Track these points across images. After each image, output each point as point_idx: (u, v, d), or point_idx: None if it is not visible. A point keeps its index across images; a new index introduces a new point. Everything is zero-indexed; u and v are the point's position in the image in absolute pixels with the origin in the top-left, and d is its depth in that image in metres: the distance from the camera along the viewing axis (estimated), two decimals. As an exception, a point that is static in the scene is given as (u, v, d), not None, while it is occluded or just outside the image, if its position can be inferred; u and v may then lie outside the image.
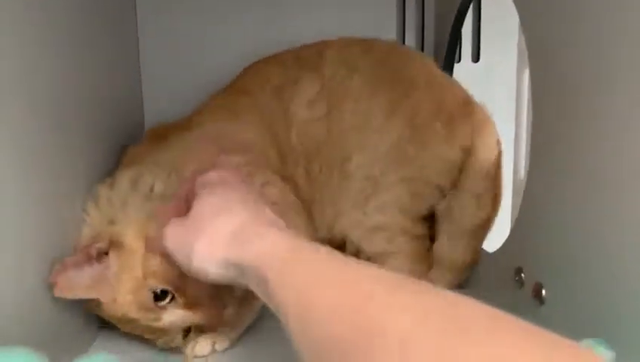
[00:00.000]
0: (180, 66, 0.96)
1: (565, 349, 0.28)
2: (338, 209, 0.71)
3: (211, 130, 0.72)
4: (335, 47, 0.76)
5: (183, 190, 0.56)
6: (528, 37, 0.57)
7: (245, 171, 0.61)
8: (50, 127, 0.55)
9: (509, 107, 1.08)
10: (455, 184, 0.70)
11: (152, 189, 0.62)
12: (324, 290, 0.37)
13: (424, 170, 0.70)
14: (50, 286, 0.53)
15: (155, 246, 0.54)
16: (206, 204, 0.51)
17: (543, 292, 0.54)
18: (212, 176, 0.55)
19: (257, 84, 0.77)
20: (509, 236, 0.63)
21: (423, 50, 0.97)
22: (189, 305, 0.56)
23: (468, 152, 0.70)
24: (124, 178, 0.63)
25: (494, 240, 0.69)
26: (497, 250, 0.67)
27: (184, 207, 0.53)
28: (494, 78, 1.02)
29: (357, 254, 0.70)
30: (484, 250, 0.72)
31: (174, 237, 0.51)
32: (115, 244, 0.56)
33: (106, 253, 0.56)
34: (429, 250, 0.72)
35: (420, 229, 0.71)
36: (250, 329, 0.65)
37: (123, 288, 0.55)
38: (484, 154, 0.70)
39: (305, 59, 0.76)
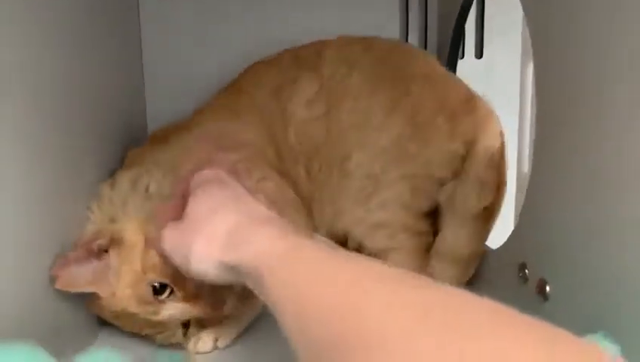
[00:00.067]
0: (182, 65, 0.96)
1: (569, 343, 0.28)
2: (339, 207, 0.71)
3: (211, 130, 0.73)
4: (334, 47, 0.76)
5: (180, 189, 0.56)
6: (532, 31, 0.57)
7: (242, 168, 0.61)
8: (54, 125, 0.55)
9: (512, 103, 1.08)
10: (457, 173, 0.70)
11: (147, 189, 0.62)
12: (322, 289, 0.36)
13: (426, 166, 0.70)
14: (52, 280, 0.53)
15: (154, 247, 0.55)
16: (201, 203, 0.51)
17: (547, 288, 0.53)
18: (207, 174, 0.55)
19: (256, 84, 0.77)
20: (513, 232, 0.63)
21: (426, 48, 0.97)
22: (188, 299, 0.57)
23: (471, 144, 0.69)
24: (124, 178, 0.64)
25: (498, 236, 0.68)
26: (501, 246, 0.66)
27: (182, 205, 0.53)
28: (497, 74, 1.02)
29: (359, 250, 0.70)
30: (488, 246, 0.71)
31: (171, 239, 0.51)
32: (115, 241, 0.57)
33: (106, 251, 0.57)
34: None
35: (423, 225, 0.71)
36: (251, 328, 0.65)
37: (122, 282, 0.56)
38: (487, 142, 0.69)
39: (303, 58, 0.76)
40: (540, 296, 0.54)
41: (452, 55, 0.91)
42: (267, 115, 0.74)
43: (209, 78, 0.91)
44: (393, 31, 0.97)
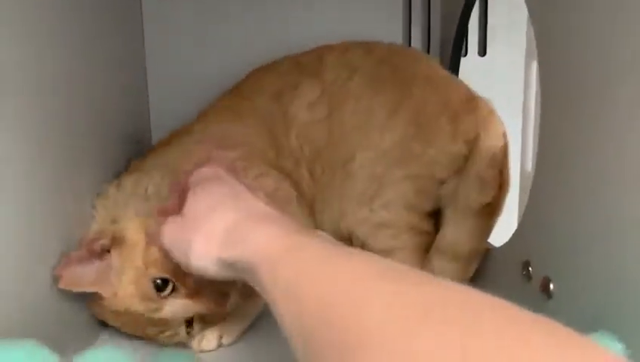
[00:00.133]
0: (186, 64, 0.96)
1: (573, 341, 0.27)
2: (343, 208, 0.71)
3: (211, 132, 0.74)
4: (335, 52, 0.77)
5: (179, 185, 0.56)
6: (537, 31, 0.57)
7: (239, 165, 0.61)
8: (56, 124, 0.56)
9: (516, 101, 1.08)
10: (460, 171, 0.70)
11: (146, 191, 0.63)
12: (321, 287, 0.36)
13: (430, 166, 0.70)
14: (55, 279, 0.53)
15: (153, 242, 0.55)
16: (200, 200, 0.51)
17: (551, 286, 0.53)
18: (206, 171, 0.55)
19: (256, 90, 0.78)
20: (517, 230, 0.63)
21: (429, 47, 0.97)
22: (191, 295, 0.57)
23: (473, 143, 0.70)
24: (128, 181, 0.65)
25: (501, 234, 0.68)
26: (504, 244, 0.66)
27: (181, 201, 0.53)
28: (501, 72, 1.02)
29: (362, 249, 0.69)
30: (491, 244, 0.71)
31: (171, 234, 0.51)
32: (117, 241, 0.57)
33: (108, 251, 0.57)
34: None
35: (426, 225, 0.71)
36: (255, 325, 0.65)
37: (125, 280, 0.56)
38: (490, 142, 0.69)
39: (304, 65, 0.77)
40: (543, 294, 0.54)
41: (455, 53, 0.90)
42: (268, 118, 0.74)
43: (212, 77, 0.91)
44: (396, 28, 0.97)
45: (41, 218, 0.52)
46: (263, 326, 0.65)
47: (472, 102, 0.72)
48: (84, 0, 0.64)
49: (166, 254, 0.53)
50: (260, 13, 0.95)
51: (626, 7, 0.42)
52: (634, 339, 0.42)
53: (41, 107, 0.53)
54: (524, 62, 1.05)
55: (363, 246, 0.70)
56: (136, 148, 0.85)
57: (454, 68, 0.91)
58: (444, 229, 0.70)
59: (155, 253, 0.56)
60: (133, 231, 0.58)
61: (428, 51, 0.97)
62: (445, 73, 0.78)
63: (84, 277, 0.55)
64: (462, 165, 0.70)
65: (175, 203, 0.54)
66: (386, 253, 0.69)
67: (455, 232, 0.69)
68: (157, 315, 0.56)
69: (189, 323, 0.59)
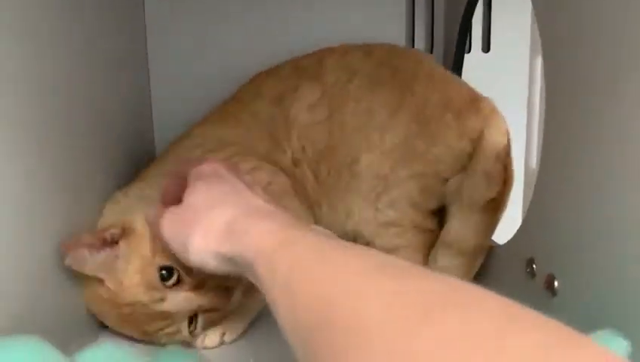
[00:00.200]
0: (189, 65, 0.96)
1: (577, 342, 0.27)
2: (349, 208, 0.71)
3: (211, 136, 0.75)
4: (335, 55, 0.77)
5: (176, 174, 0.57)
6: (542, 24, 0.56)
7: (232, 162, 0.62)
8: (58, 124, 0.56)
9: (520, 97, 1.07)
10: (464, 169, 0.70)
11: (151, 196, 0.63)
12: (314, 279, 0.36)
13: (435, 164, 0.70)
14: (63, 256, 0.54)
15: (153, 231, 0.56)
16: (201, 194, 0.52)
17: (556, 283, 0.53)
18: (206, 168, 0.56)
19: (256, 95, 0.78)
20: (521, 227, 0.63)
21: (432, 43, 0.96)
22: (195, 287, 0.57)
23: (477, 142, 0.70)
24: (134, 189, 0.66)
25: (506, 232, 0.68)
26: (509, 241, 0.66)
27: (180, 190, 0.54)
28: (505, 68, 1.01)
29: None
30: (495, 242, 0.71)
31: (171, 227, 0.52)
32: (126, 231, 0.58)
33: (117, 243, 0.58)
34: None
35: (430, 223, 0.71)
36: (257, 322, 0.65)
37: (131, 268, 0.56)
38: (494, 139, 0.69)
39: (304, 68, 0.77)
40: (548, 292, 0.54)
41: (459, 49, 0.90)
42: (270, 122, 0.75)
43: (215, 77, 0.91)
44: (399, 25, 0.96)
45: (41, 218, 0.52)
46: (265, 323, 0.65)
47: (475, 101, 0.72)
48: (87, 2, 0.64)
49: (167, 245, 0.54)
50: (262, 13, 0.95)
51: (632, 1, 0.42)
52: (639, 337, 0.41)
53: (41, 107, 0.53)
54: (528, 58, 1.05)
55: (368, 246, 0.70)
56: (138, 147, 0.86)
57: (458, 64, 0.91)
58: (449, 225, 0.70)
59: (162, 241, 0.56)
60: (142, 223, 0.59)
61: (431, 48, 0.97)
62: (447, 73, 0.78)
63: (90, 261, 0.56)
64: (466, 163, 0.70)
65: (172, 183, 0.56)
66: (390, 251, 0.69)
67: (460, 228, 0.69)
68: (160, 307, 0.56)
69: (191, 320, 0.59)
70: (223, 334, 0.62)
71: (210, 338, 0.61)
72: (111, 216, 0.62)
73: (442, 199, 0.71)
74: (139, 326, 0.58)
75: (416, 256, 0.70)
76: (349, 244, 0.41)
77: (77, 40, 0.61)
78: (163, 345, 0.59)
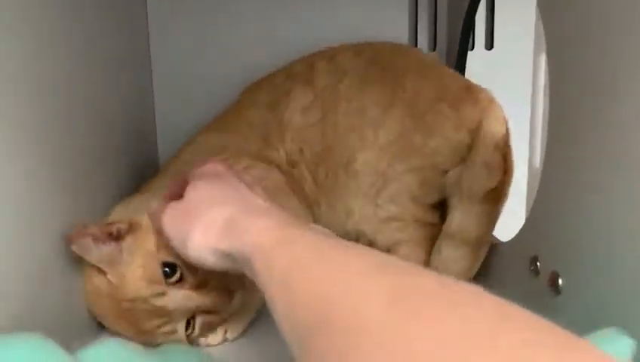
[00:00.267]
0: (192, 65, 0.96)
1: (574, 344, 0.26)
2: (349, 207, 0.71)
3: (210, 143, 0.77)
4: (326, 58, 0.78)
5: (180, 176, 0.58)
6: (546, 21, 0.56)
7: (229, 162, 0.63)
8: (58, 124, 0.56)
9: (523, 95, 1.07)
10: (463, 160, 0.70)
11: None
12: (312, 282, 0.36)
13: (433, 157, 0.70)
14: (67, 241, 0.55)
15: (154, 224, 0.56)
16: (202, 191, 0.53)
17: (559, 281, 0.53)
18: (208, 168, 0.57)
19: (250, 103, 0.80)
20: (525, 225, 0.62)
21: (435, 41, 0.96)
22: (196, 286, 0.57)
23: (476, 132, 0.69)
24: (138, 199, 0.67)
25: (509, 229, 0.68)
26: (512, 238, 0.66)
27: (181, 189, 0.55)
28: (508, 66, 1.01)
29: (370, 246, 0.69)
30: (499, 239, 0.71)
31: (171, 223, 0.53)
32: (133, 227, 0.58)
33: (123, 238, 0.58)
34: None
35: (430, 217, 0.71)
36: (259, 320, 0.64)
37: (135, 262, 0.57)
38: (492, 128, 0.69)
39: (296, 74, 0.78)
40: (551, 290, 0.53)
41: (462, 46, 0.89)
42: (264, 127, 0.77)
43: (218, 78, 0.91)
44: (402, 23, 0.96)
45: (41, 218, 0.52)
46: (266, 320, 0.64)
47: (471, 91, 0.72)
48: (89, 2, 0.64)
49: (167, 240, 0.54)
50: (264, 13, 0.95)
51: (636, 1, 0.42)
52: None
53: (41, 107, 0.53)
54: (532, 56, 1.04)
55: (370, 244, 0.70)
56: (140, 147, 0.86)
57: (461, 62, 0.90)
58: (451, 217, 0.70)
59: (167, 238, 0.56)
60: (147, 220, 0.59)
61: (434, 46, 0.97)
62: (440, 65, 0.78)
63: (95, 252, 0.56)
64: (465, 155, 0.69)
65: (176, 182, 0.57)
66: (392, 246, 0.69)
67: (462, 219, 0.69)
68: (160, 301, 0.56)
69: (189, 323, 0.59)
70: (225, 331, 0.62)
71: (213, 335, 0.61)
72: (118, 216, 0.62)
73: (442, 192, 0.71)
74: (136, 324, 0.58)
75: (417, 250, 0.69)
76: (349, 243, 0.40)
77: (77, 40, 0.61)
78: (158, 345, 0.59)
